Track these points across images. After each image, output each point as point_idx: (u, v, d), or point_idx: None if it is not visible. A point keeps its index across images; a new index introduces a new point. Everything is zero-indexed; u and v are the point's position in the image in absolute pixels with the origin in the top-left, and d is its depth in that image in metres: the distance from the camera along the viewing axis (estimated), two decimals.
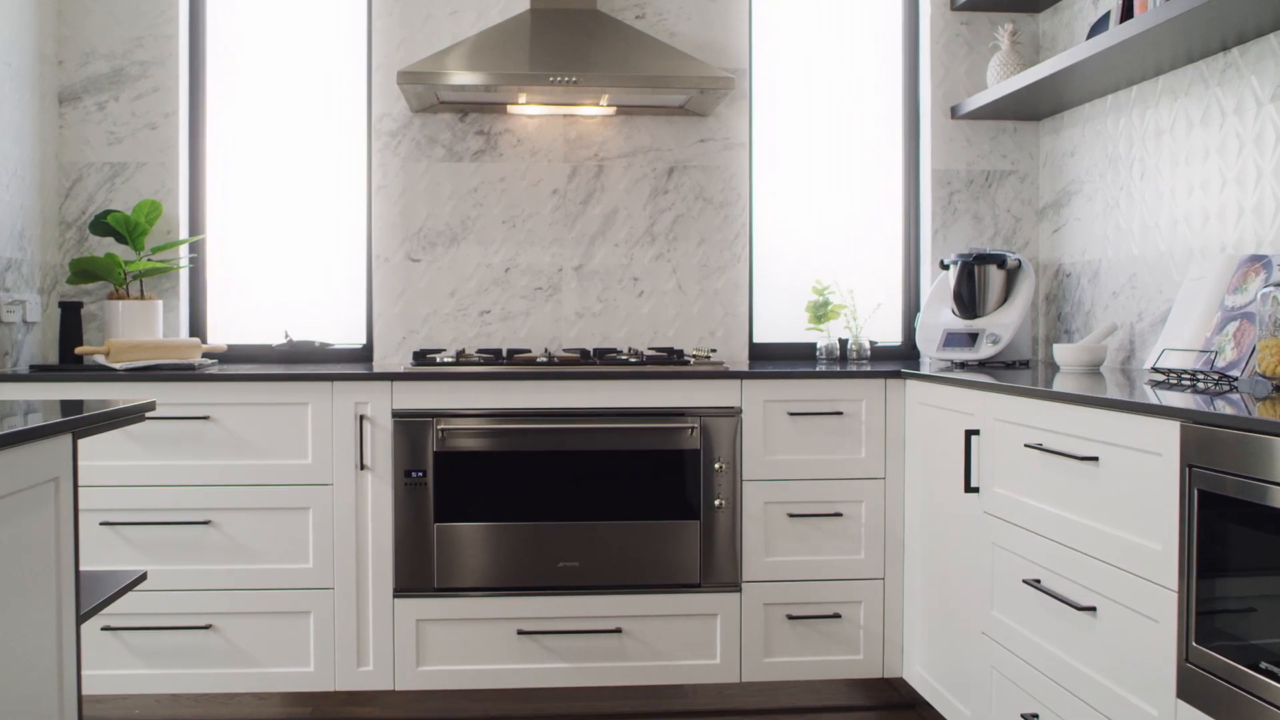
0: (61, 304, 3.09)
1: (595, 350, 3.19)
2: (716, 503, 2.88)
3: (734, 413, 2.89)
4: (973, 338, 3.15)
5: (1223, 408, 1.68)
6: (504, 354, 3.14)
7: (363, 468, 2.81)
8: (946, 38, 3.48)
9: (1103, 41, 2.57)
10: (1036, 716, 2.18)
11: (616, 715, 2.91)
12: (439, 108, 3.33)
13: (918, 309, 3.56)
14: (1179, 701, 1.70)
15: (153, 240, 3.24)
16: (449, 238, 3.39)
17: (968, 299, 3.20)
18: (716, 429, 2.88)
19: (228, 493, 2.79)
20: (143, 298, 3.10)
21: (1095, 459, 1.96)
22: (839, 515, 2.91)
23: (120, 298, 3.07)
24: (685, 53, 3.20)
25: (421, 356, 3.05)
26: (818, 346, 3.44)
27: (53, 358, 3.16)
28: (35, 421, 1.50)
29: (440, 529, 2.83)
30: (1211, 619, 1.64)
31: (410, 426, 2.82)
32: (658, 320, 3.45)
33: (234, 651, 2.81)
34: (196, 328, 3.39)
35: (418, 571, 2.83)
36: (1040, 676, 2.17)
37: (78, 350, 2.92)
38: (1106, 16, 2.88)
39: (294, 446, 2.81)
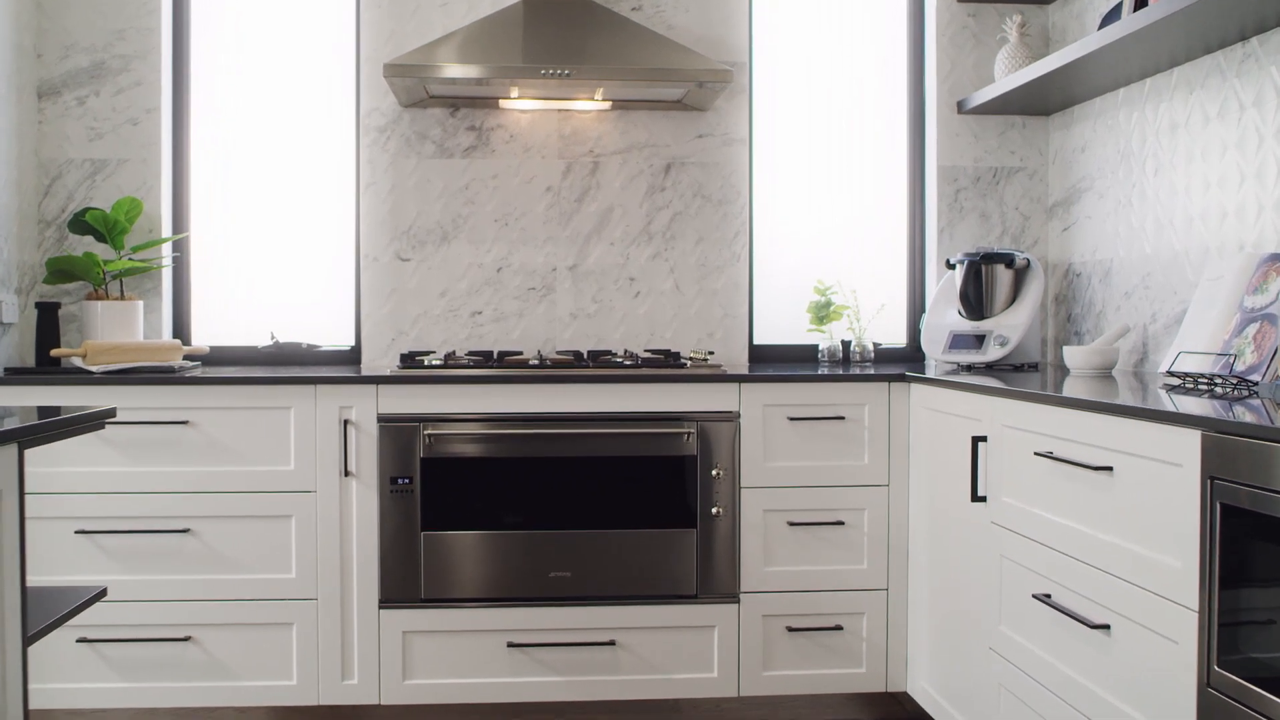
0: (38, 305, 3.00)
1: (589, 352, 3.09)
2: (714, 510, 2.79)
3: (732, 417, 2.79)
4: (980, 339, 3.05)
5: (1246, 415, 1.58)
6: (495, 356, 3.05)
7: (347, 474, 2.72)
8: (953, 30, 3.39)
9: (1115, 31, 2.48)
10: None
11: None
12: (429, 102, 3.24)
13: (923, 310, 3.46)
14: None
15: (134, 239, 3.15)
16: (439, 236, 3.29)
17: (974, 299, 3.10)
18: (714, 434, 2.78)
19: (207, 500, 2.70)
20: (123, 298, 3.01)
21: (1110, 469, 1.86)
22: (841, 524, 2.81)
23: (99, 298, 2.98)
24: (683, 45, 3.10)
25: (409, 359, 2.95)
26: (820, 349, 3.34)
27: (30, 360, 3.07)
28: None
29: (427, 537, 2.74)
30: (1235, 641, 1.54)
31: (397, 431, 2.73)
32: (655, 321, 3.35)
33: (214, 664, 2.72)
34: (179, 329, 3.30)
35: (404, 582, 2.74)
36: (1050, 696, 2.07)
37: (54, 352, 2.83)
38: (1119, 6, 2.78)
39: (276, 452, 2.72)
